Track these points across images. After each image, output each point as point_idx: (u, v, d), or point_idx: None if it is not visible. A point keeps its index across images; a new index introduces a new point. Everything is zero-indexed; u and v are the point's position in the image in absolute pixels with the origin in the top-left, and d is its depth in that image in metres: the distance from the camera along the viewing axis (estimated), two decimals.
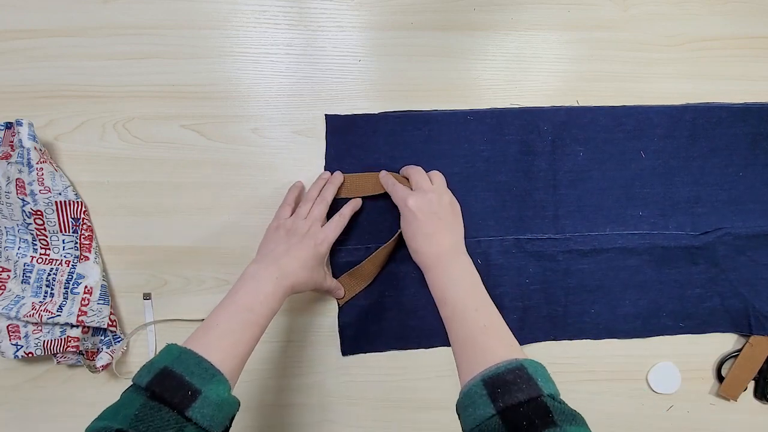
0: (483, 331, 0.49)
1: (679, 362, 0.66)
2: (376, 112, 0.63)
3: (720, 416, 0.67)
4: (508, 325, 0.64)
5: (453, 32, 0.64)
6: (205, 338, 0.46)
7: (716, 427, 0.67)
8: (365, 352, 0.65)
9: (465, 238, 0.61)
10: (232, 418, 0.44)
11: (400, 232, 0.60)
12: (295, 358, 0.65)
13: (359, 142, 0.63)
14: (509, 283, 0.64)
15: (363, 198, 0.62)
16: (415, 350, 0.65)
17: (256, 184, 0.63)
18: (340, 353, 0.65)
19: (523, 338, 0.65)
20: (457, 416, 0.45)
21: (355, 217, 0.62)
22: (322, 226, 0.58)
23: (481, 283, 0.55)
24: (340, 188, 0.61)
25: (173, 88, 0.63)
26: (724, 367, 0.66)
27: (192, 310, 0.64)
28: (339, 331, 0.64)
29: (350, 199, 0.62)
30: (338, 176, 0.62)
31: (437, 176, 0.60)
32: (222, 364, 0.43)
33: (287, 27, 0.63)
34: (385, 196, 0.61)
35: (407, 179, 0.60)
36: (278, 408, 0.65)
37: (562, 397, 0.43)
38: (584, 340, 0.65)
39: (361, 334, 0.64)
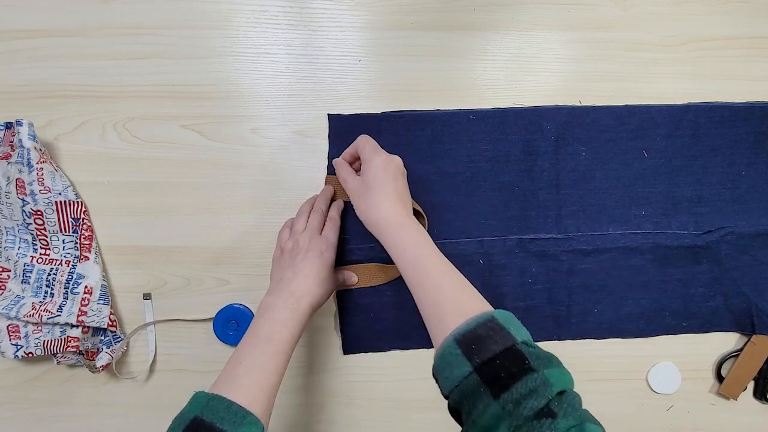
0: (449, 290, 0.47)
1: (679, 362, 0.66)
2: (379, 112, 0.63)
3: (720, 416, 0.67)
4: None
5: (453, 32, 0.64)
6: (230, 379, 0.46)
7: (716, 427, 0.67)
8: (366, 352, 0.65)
9: (468, 238, 0.61)
10: None
11: None
12: (296, 359, 0.65)
13: None
14: (512, 283, 0.64)
15: None
16: (416, 350, 0.65)
17: (256, 184, 0.63)
18: (340, 353, 0.65)
19: None
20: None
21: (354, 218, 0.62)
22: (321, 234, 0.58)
23: (432, 242, 0.53)
24: (344, 194, 0.61)
25: (173, 88, 0.63)
26: (723, 367, 0.66)
27: (192, 310, 0.64)
28: (340, 330, 0.64)
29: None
30: (328, 189, 0.62)
31: (362, 142, 0.57)
32: (252, 404, 0.44)
33: (287, 27, 0.63)
34: None
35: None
36: (278, 408, 0.65)
37: (558, 358, 0.43)
38: (584, 340, 0.65)
39: (362, 333, 0.64)
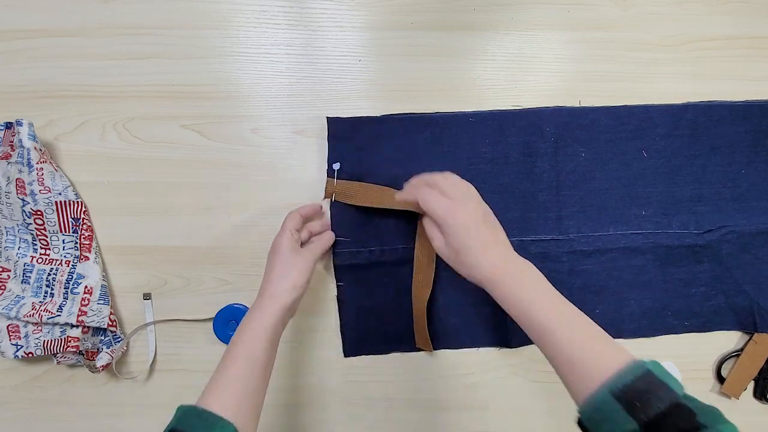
0: (584, 337, 0.45)
1: (680, 362, 0.66)
2: (378, 115, 0.63)
3: None
4: (509, 326, 0.63)
5: (453, 32, 0.64)
6: (206, 389, 0.47)
7: None
8: (367, 354, 0.65)
9: None
10: None
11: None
12: (295, 359, 0.65)
13: (361, 144, 0.63)
14: None
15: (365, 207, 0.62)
16: (416, 352, 0.65)
17: (256, 184, 0.63)
18: (341, 354, 0.65)
19: (529, 340, 0.64)
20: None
21: (363, 220, 0.62)
22: None
23: (545, 281, 0.50)
24: (353, 197, 0.61)
25: (173, 88, 0.63)
26: (723, 367, 0.66)
27: (192, 310, 0.64)
28: (341, 332, 0.64)
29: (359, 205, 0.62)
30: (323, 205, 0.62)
31: (459, 181, 0.54)
32: (224, 409, 0.44)
33: (287, 27, 0.63)
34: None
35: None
36: (279, 408, 0.65)
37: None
38: None
39: (363, 335, 0.64)
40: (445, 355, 0.65)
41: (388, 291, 0.64)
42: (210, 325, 0.63)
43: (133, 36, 0.62)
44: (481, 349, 0.65)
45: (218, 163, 0.63)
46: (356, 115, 0.63)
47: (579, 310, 0.47)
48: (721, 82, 0.65)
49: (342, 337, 0.64)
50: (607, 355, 0.43)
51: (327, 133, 0.63)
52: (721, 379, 0.66)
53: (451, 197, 0.51)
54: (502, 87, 0.64)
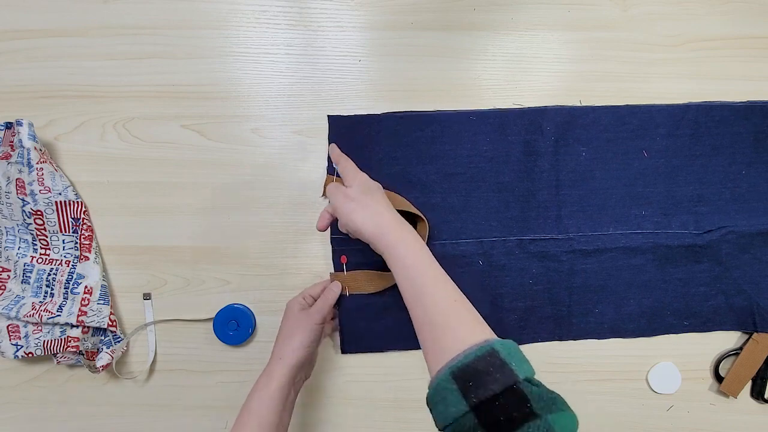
0: (448, 314, 0.45)
1: (679, 362, 0.66)
2: (379, 113, 0.63)
3: (720, 416, 0.67)
4: (507, 324, 0.63)
5: (453, 32, 0.64)
6: None
7: (716, 427, 0.67)
8: (365, 352, 0.65)
9: (467, 238, 0.61)
10: None
11: None
12: None
13: (362, 142, 0.63)
14: (511, 284, 0.64)
15: None
16: (415, 350, 0.65)
17: (256, 184, 0.63)
18: (339, 353, 0.65)
19: (525, 338, 0.65)
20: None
21: None
22: None
23: (433, 257, 0.51)
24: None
25: (173, 88, 0.63)
26: (721, 366, 0.66)
27: (192, 310, 0.64)
28: (339, 329, 0.65)
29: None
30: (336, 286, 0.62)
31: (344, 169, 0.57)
32: None
33: (287, 27, 0.63)
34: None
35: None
36: None
37: (563, 398, 0.42)
38: (585, 340, 0.65)
39: (361, 332, 0.64)
40: None
41: (387, 288, 0.64)
42: (210, 325, 0.63)
43: (133, 36, 0.62)
44: None
45: (218, 163, 0.63)
46: (357, 114, 0.63)
47: (456, 286, 0.48)
48: (721, 82, 0.65)
49: (340, 335, 0.64)
50: (466, 334, 0.42)
51: (328, 131, 0.63)
52: (719, 378, 0.66)
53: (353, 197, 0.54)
54: (502, 87, 0.64)
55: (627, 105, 0.64)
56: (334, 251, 0.63)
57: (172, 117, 0.63)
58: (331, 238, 0.63)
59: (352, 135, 0.63)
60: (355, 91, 0.64)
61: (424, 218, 0.61)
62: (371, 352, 0.65)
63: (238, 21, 0.63)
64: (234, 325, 0.63)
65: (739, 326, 0.66)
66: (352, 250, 0.63)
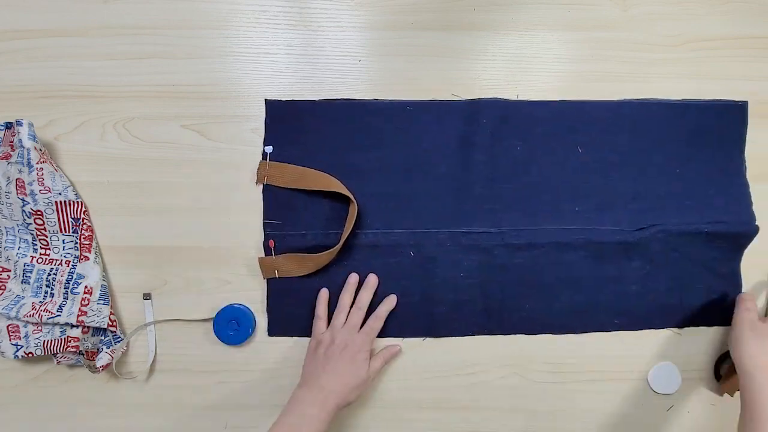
0: None
1: (679, 362, 0.66)
2: (317, 99, 0.63)
3: (720, 416, 0.67)
4: (437, 317, 0.63)
5: (453, 32, 0.64)
6: None
7: (716, 427, 0.67)
8: (291, 336, 0.64)
9: (400, 229, 0.62)
10: None
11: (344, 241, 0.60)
12: (294, 358, 0.65)
13: (301, 128, 0.63)
14: (442, 276, 0.63)
15: (308, 190, 0.61)
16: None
17: (255, 184, 0.63)
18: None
19: (455, 331, 0.64)
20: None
21: (297, 205, 0.62)
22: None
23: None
24: (286, 179, 0.61)
25: (173, 88, 0.63)
26: (721, 366, 0.66)
27: (192, 310, 0.64)
28: (267, 312, 0.64)
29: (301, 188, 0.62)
30: (373, 279, 0.62)
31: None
32: None
33: (287, 27, 0.63)
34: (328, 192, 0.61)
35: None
36: (277, 407, 0.65)
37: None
38: (584, 340, 0.65)
39: (289, 316, 0.64)
40: (445, 354, 0.65)
41: (316, 275, 0.63)
42: (210, 325, 0.63)
43: (133, 36, 0.62)
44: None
45: (218, 163, 0.63)
46: (295, 99, 0.63)
47: None
48: (721, 82, 0.65)
49: (268, 316, 0.64)
50: None
51: (264, 116, 0.63)
52: (719, 378, 0.66)
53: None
54: (501, 87, 0.64)
55: (563, 100, 0.64)
56: (265, 236, 0.63)
57: (172, 117, 0.63)
58: (263, 222, 0.63)
59: (290, 120, 0.62)
60: (355, 91, 0.64)
61: (354, 200, 0.61)
62: (297, 336, 0.64)
63: (238, 21, 0.63)
64: (234, 325, 0.63)
65: (667, 325, 0.66)
66: (280, 235, 0.63)
